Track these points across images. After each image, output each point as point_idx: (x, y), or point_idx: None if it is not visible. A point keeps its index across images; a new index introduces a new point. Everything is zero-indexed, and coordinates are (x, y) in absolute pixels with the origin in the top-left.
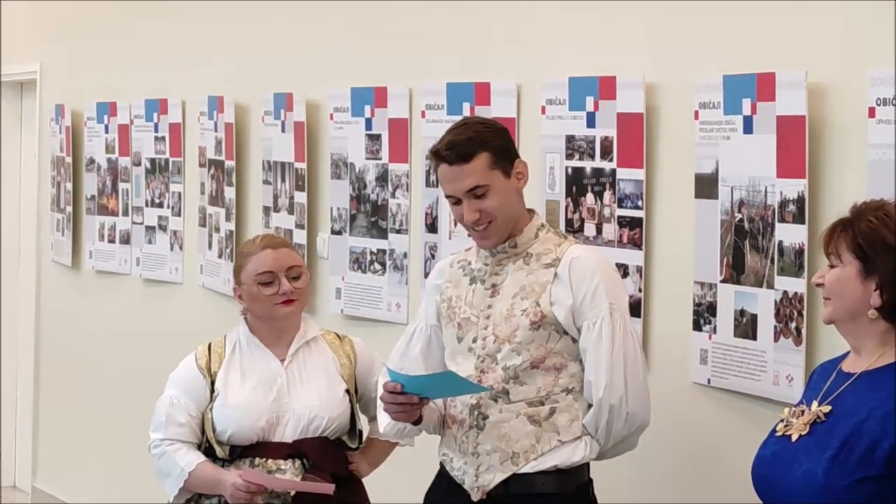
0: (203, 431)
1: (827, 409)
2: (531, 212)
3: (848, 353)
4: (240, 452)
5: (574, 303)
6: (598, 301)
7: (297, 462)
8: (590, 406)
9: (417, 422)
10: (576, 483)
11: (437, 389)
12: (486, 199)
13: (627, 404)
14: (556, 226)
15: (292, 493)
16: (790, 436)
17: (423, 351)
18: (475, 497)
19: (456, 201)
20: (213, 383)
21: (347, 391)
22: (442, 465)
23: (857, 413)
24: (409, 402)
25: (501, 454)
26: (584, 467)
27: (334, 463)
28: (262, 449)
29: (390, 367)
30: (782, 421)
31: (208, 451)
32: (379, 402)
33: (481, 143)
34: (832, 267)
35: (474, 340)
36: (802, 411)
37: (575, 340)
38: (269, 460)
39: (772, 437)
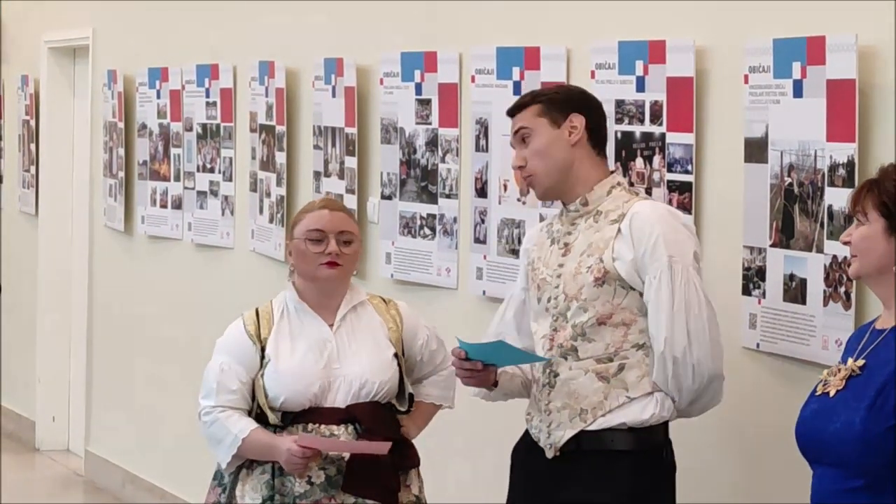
0: (253, 398)
1: (861, 362)
2: (612, 172)
3: (881, 315)
4: (293, 418)
5: (635, 257)
6: (657, 254)
7: (350, 427)
8: None
9: (494, 386)
10: (649, 442)
11: (497, 357)
12: (529, 146)
13: (692, 356)
14: None
15: (346, 456)
16: (828, 392)
17: (517, 315)
18: (549, 454)
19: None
20: (263, 350)
21: (396, 355)
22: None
23: (890, 364)
24: (474, 368)
25: (570, 411)
26: (658, 427)
27: (387, 427)
28: (314, 414)
29: (490, 330)
30: (821, 381)
31: (259, 418)
32: None
33: (535, 97)
34: (860, 224)
35: (549, 300)
36: (839, 369)
37: (643, 295)
38: (323, 426)
39: (811, 396)
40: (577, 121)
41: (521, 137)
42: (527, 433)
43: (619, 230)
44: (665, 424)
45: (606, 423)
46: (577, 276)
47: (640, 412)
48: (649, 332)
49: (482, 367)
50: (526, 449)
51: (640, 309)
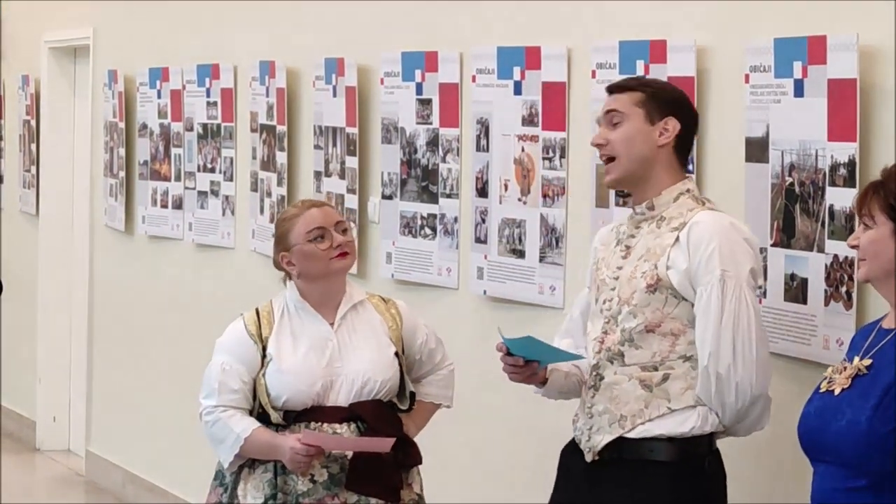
0: (255, 397)
1: (868, 362)
2: (685, 178)
3: (888, 314)
4: (295, 417)
5: (689, 267)
6: (711, 267)
7: (353, 425)
8: None
9: (543, 383)
10: (689, 453)
11: (535, 353)
12: (617, 130)
13: (736, 374)
14: (606, 191)
15: (349, 455)
16: (833, 391)
17: (584, 314)
18: (588, 458)
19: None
20: (264, 349)
21: (397, 353)
22: None
23: (893, 365)
24: (516, 363)
25: (610, 416)
26: (701, 438)
27: (390, 425)
28: (317, 413)
29: (561, 328)
30: (825, 379)
31: (261, 417)
32: None
33: (642, 84)
34: (867, 228)
35: (604, 302)
36: (844, 367)
37: (694, 307)
38: (325, 424)
39: (815, 394)
40: (672, 125)
41: (610, 119)
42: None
43: (676, 238)
44: (709, 436)
45: (646, 432)
46: (632, 281)
47: (680, 424)
48: (697, 346)
49: (524, 364)
50: (572, 451)
51: (691, 320)
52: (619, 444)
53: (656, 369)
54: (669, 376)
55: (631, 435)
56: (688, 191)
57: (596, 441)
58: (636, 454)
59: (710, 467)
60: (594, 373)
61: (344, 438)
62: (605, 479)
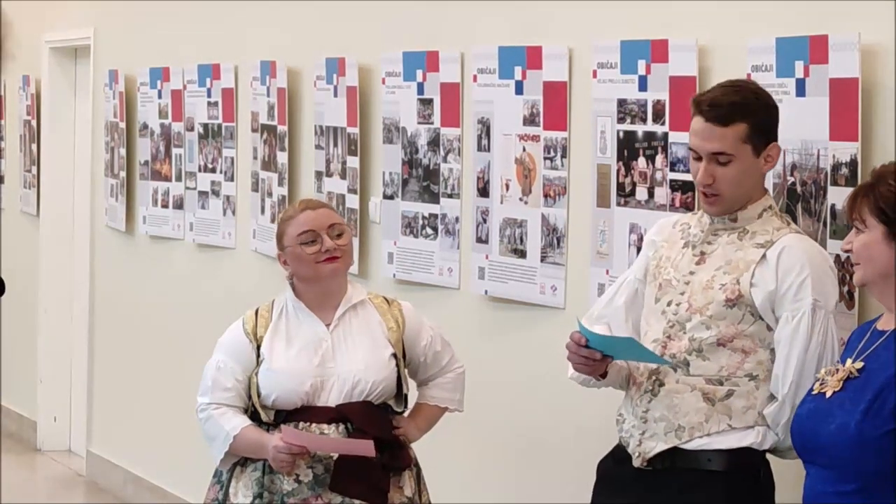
0: (250, 396)
1: (860, 364)
2: (766, 194)
3: (883, 315)
4: (284, 417)
5: (775, 289)
6: (802, 295)
7: (341, 426)
8: (772, 398)
9: (603, 376)
10: (745, 463)
11: (619, 351)
12: (725, 168)
13: None
14: (608, 191)
15: (334, 456)
16: (825, 393)
17: (628, 303)
18: (636, 462)
19: (696, 157)
20: (258, 348)
21: (394, 355)
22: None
23: (889, 368)
24: (591, 357)
25: (667, 424)
26: (755, 450)
27: (378, 427)
28: (306, 413)
29: (592, 312)
30: (818, 381)
31: (254, 416)
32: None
33: (744, 112)
34: (859, 232)
35: (668, 304)
36: (837, 369)
37: (770, 329)
38: (314, 424)
39: (808, 395)
40: (775, 151)
41: (716, 158)
42: (617, 447)
43: (763, 256)
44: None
45: (704, 445)
46: (708, 291)
47: (739, 441)
48: (775, 372)
49: (601, 358)
50: (614, 460)
51: (763, 340)
52: (673, 453)
53: (721, 384)
54: (734, 393)
55: (687, 447)
56: (770, 207)
57: (648, 447)
58: (692, 464)
59: (763, 478)
60: (653, 377)
61: (326, 439)
62: (658, 487)
